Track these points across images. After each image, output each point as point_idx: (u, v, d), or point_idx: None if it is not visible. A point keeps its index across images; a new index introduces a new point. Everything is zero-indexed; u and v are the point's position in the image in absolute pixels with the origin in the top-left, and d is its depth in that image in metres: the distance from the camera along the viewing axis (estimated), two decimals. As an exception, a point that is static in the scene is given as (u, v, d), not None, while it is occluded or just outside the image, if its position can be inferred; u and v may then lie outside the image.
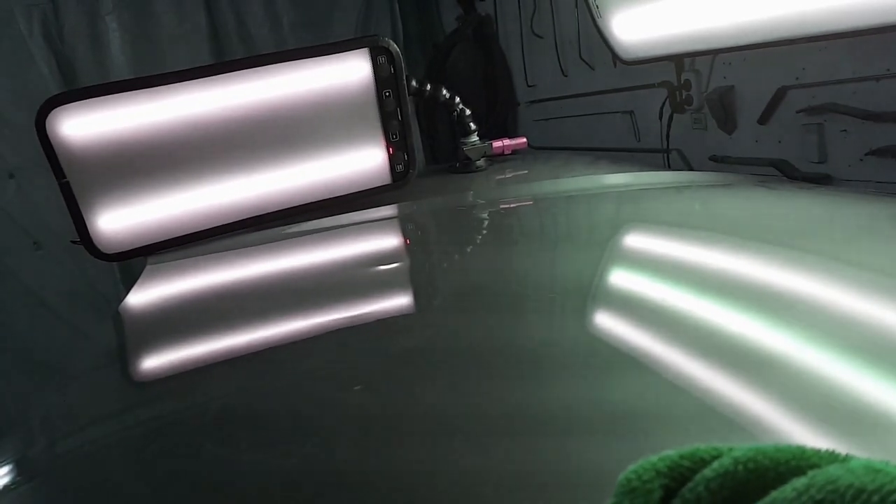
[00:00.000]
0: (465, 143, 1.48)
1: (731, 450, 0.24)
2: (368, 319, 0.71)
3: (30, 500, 0.48)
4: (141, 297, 0.92)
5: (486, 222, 1.16)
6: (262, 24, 2.24)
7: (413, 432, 0.45)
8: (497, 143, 1.56)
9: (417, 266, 0.94)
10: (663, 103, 1.36)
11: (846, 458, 0.24)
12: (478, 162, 1.49)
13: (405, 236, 1.15)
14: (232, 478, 0.44)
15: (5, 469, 0.51)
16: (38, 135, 1.02)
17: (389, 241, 1.14)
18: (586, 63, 1.62)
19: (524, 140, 1.62)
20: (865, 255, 0.68)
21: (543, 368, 0.52)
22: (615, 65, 1.45)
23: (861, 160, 0.95)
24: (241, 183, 1.16)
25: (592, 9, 1.34)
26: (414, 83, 1.34)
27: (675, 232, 0.91)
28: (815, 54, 0.98)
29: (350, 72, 1.18)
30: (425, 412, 0.48)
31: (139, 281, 0.98)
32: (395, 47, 1.19)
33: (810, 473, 0.22)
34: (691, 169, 1.31)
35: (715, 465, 0.24)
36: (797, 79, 1.03)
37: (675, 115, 1.33)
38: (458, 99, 1.46)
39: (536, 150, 1.86)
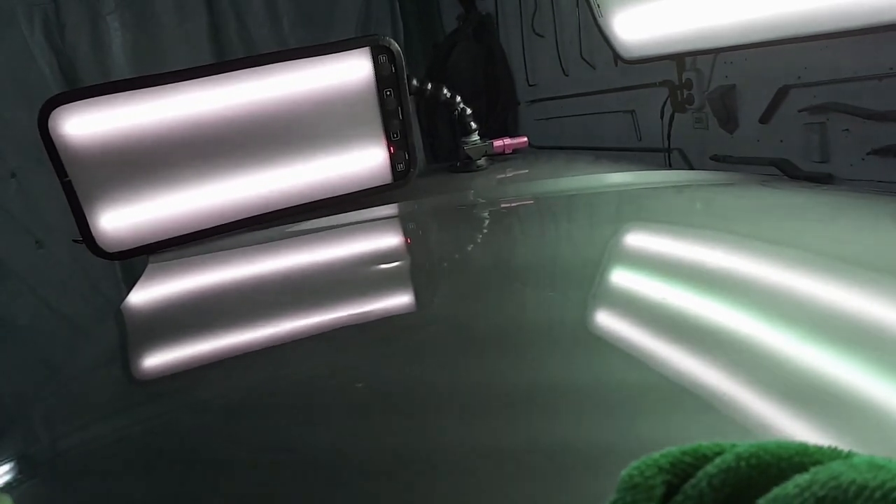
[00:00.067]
0: (466, 142, 1.48)
1: (733, 446, 0.24)
2: (369, 318, 0.71)
3: (31, 499, 0.48)
4: (142, 295, 0.92)
5: (487, 221, 1.16)
6: (263, 23, 2.24)
7: (414, 431, 0.45)
8: (498, 143, 1.56)
9: (418, 265, 0.94)
10: (664, 102, 1.36)
11: (849, 455, 0.24)
12: (478, 161, 1.49)
13: (406, 235, 1.15)
14: (234, 476, 0.44)
15: (6, 468, 0.51)
16: (40, 133, 1.02)
17: (390, 240, 1.14)
18: (587, 62, 1.62)
19: (525, 139, 1.62)
20: (867, 254, 0.68)
21: (545, 367, 0.52)
22: (616, 64, 1.45)
23: (863, 159, 0.95)
24: (243, 182, 1.16)
25: (593, 7, 1.34)
26: (415, 82, 1.34)
27: (676, 230, 0.91)
28: (817, 53, 0.98)
29: (351, 71, 1.18)
30: (427, 411, 0.48)
31: (141, 280, 0.98)
32: (396, 46, 1.19)
33: (813, 470, 0.22)
34: (692, 168, 1.31)
35: (717, 461, 0.24)
36: (799, 78, 1.03)
37: (676, 114, 1.33)
38: (458, 98, 1.46)
39: (537, 149, 1.86)
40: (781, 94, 1.07)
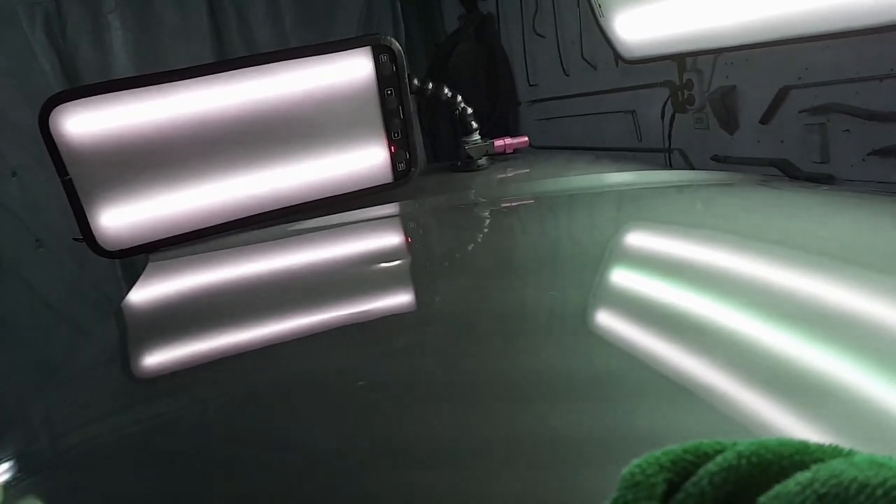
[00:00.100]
0: (467, 141, 1.48)
1: (734, 444, 0.24)
2: (370, 317, 0.71)
3: (32, 498, 0.48)
4: (143, 294, 0.92)
5: (488, 221, 1.16)
6: (264, 22, 2.24)
7: (415, 430, 0.45)
8: (499, 142, 1.56)
9: (419, 264, 0.94)
10: (665, 103, 1.36)
11: (850, 453, 0.24)
12: (479, 161, 1.49)
13: (407, 234, 1.15)
14: (234, 474, 0.44)
15: (7, 466, 0.51)
16: (40, 132, 1.02)
17: (391, 239, 1.14)
18: (588, 62, 1.62)
19: (526, 139, 1.62)
20: (867, 254, 0.68)
21: (545, 366, 0.52)
22: (617, 64, 1.45)
23: (863, 160, 0.95)
24: (244, 181, 1.16)
25: (595, 8, 1.34)
26: (416, 81, 1.34)
27: (676, 230, 0.91)
28: (817, 54, 0.98)
29: (352, 70, 1.18)
30: (428, 410, 0.48)
31: (141, 278, 0.98)
32: (397, 45, 1.19)
33: (814, 468, 0.22)
34: (693, 169, 1.31)
35: (718, 459, 0.24)
36: (800, 78, 1.03)
37: (676, 114, 1.34)
38: (459, 98, 1.46)
39: (538, 149, 1.86)
40: (782, 94, 1.07)
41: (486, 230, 1.10)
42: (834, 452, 0.24)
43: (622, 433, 0.40)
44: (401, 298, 0.79)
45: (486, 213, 1.18)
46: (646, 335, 0.56)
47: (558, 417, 0.43)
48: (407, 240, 1.12)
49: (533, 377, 0.50)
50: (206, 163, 1.13)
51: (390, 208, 1.21)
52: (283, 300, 0.82)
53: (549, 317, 0.65)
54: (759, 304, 0.57)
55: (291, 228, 1.15)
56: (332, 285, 0.86)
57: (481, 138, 1.50)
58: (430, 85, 1.40)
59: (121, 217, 1.10)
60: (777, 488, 0.22)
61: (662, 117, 1.37)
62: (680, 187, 1.14)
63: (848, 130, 0.97)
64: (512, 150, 1.59)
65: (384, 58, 1.19)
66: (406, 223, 1.20)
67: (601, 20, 1.34)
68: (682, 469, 0.24)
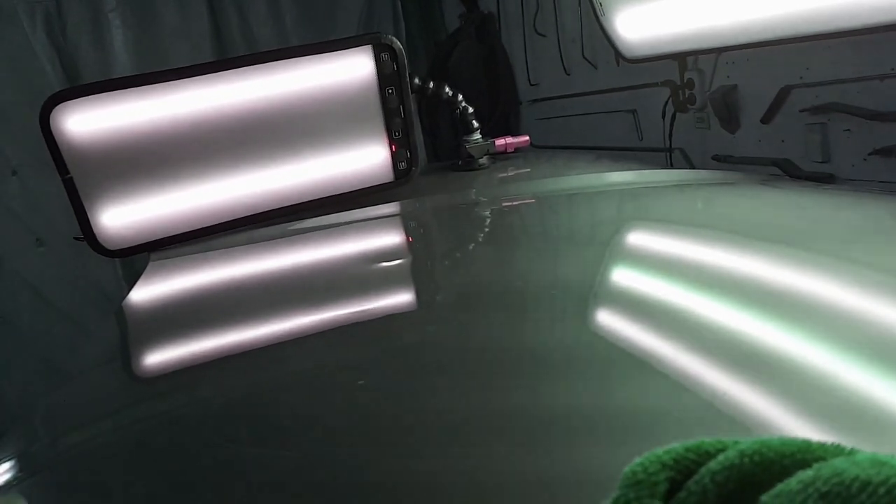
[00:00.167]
0: (468, 140, 1.48)
1: (736, 443, 0.24)
2: (371, 316, 0.71)
3: (33, 497, 0.48)
4: (144, 293, 0.92)
5: (489, 220, 1.16)
6: (265, 21, 2.24)
7: (416, 428, 0.45)
8: (500, 141, 1.56)
9: (420, 263, 0.94)
10: (666, 102, 1.36)
11: (852, 452, 0.24)
12: (480, 160, 1.49)
13: (408, 233, 1.15)
14: (235, 473, 0.44)
15: (9, 465, 0.51)
16: (41, 131, 1.02)
17: (392, 238, 1.14)
18: (589, 62, 1.61)
19: (527, 138, 1.62)
20: (868, 254, 0.68)
21: (545, 365, 0.52)
22: (618, 63, 1.45)
23: (864, 160, 0.95)
24: (244, 180, 1.16)
25: (596, 7, 1.34)
26: (417, 81, 1.34)
27: (677, 230, 0.91)
28: (819, 53, 0.98)
29: (353, 69, 1.18)
30: (428, 408, 0.48)
31: (142, 277, 0.98)
32: (398, 44, 1.19)
33: (816, 466, 0.22)
34: (694, 168, 1.31)
35: (720, 457, 0.24)
36: (801, 78, 1.03)
37: (677, 114, 1.33)
38: (460, 97, 1.46)
39: (539, 148, 1.86)
40: (783, 94, 1.07)
41: (486, 229, 1.10)
42: (836, 451, 0.24)
43: (622, 433, 0.40)
44: (401, 298, 0.79)
45: (487, 213, 1.18)
46: (646, 334, 0.56)
47: (559, 415, 0.43)
48: (408, 239, 1.12)
49: (533, 375, 0.50)
50: (206, 162, 1.13)
51: (391, 207, 1.21)
52: (284, 299, 0.82)
53: (551, 315, 0.65)
54: (760, 303, 0.57)
55: (292, 227, 1.15)
56: (333, 284, 0.86)
57: (482, 137, 1.50)
58: (431, 84, 1.40)
59: (121, 216, 1.10)
60: (779, 487, 0.22)
61: (663, 116, 1.37)
62: (681, 187, 1.14)
63: (849, 130, 0.97)
64: (513, 150, 1.59)
65: (385, 57, 1.19)
66: (407, 222, 1.20)
67: (602, 19, 1.34)
68: (685, 467, 0.24)
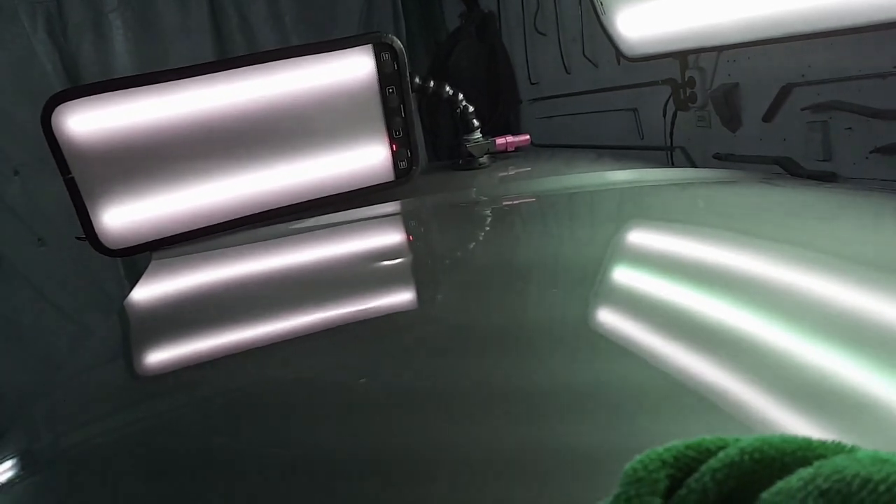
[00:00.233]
0: (469, 139, 1.48)
1: (737, 440, 0.24)
2: (372, 314, 0.71)
3: (34, 496, 0.48)
4: (145, 292, 0.92)
5: (489, 219, 1.16)
6: (265, 21, 2.24)
7: (416, 427, 0.45)
8: (500, 140, 1.56)
9: (420, 262, 0.94)
10: (667, 101, 1.35)
11: (852, 449, 0.24)
12: (481, 159, 1.49)
13: (408, 232, 1.15)
14: (237, 471, 0.44)
15: (10, 464, 0.51)
16: (43, 131, 1.03)
17: (393, 237, 1.14)
18: (590, 60, 1.61)
19: (527, 137, 1.62)
20: (870, 252, 0.68)
21: (546, 364, 0.52)
22: (619, 62, 1.45)
23: (866, 158, 0.95)
24: (246, 179, 1.16)
25: (596, 5, 1.34)
26: (417, 80, 1.34)
27: (678, 228, 0.91)
28: (820, 51, 0.98)
29: (353, 68, 1.18)
30: (429, 407, 0.48)
31: (144, 276, 0.98)
32: (398, 44, 1.19)
33: (816, 464, 0.22)
34: (695, 167, 1.31)
35: (721, 455, 0.24)
36: (802, 76, 1.03)
37: (678, 112, 1.33)
38: (461, 96, 1.46)
39: (539, 147, 1.86)
40: (784, 92, 1.07)
41: (487, 228, 1.10)
42: (836, 449, 0.24)
43: (624, 429, 0.40)
44: (402, 297, 0.79)
45: (488, 212, 1.18)
46: (647, 333, 0.56)
47: (559, 414, 0.43)
48: (408, 238, 1.12)
49: (534, 374, 0.50)
50: (208, 161, 1.13)
51: (392, 206, 1.21)
52: (286, 298, 0.82)
53: (551, 314, 0.65)
54: (761, 302, 0.57)
55: (293, 227, 1.15)
56: (334, 283, 0.86)
57: (483, 136, 1.50)
58: (432, 83, 1.40)
59: (123, 216, 1.10)
60: (779, 484, 0.22)
61: (664, 115, 1.37)
62: (682, 185, 1.14)
63: (850, 128, 0.97)
64: (513, 149, 1.59)
65: (385, 56, 1.19)
66: (407, 221, 1.20)
67: (603, 18, 1.34)
68: (685, 465, 0.24)
